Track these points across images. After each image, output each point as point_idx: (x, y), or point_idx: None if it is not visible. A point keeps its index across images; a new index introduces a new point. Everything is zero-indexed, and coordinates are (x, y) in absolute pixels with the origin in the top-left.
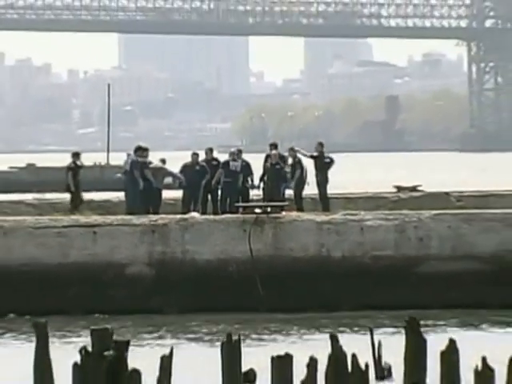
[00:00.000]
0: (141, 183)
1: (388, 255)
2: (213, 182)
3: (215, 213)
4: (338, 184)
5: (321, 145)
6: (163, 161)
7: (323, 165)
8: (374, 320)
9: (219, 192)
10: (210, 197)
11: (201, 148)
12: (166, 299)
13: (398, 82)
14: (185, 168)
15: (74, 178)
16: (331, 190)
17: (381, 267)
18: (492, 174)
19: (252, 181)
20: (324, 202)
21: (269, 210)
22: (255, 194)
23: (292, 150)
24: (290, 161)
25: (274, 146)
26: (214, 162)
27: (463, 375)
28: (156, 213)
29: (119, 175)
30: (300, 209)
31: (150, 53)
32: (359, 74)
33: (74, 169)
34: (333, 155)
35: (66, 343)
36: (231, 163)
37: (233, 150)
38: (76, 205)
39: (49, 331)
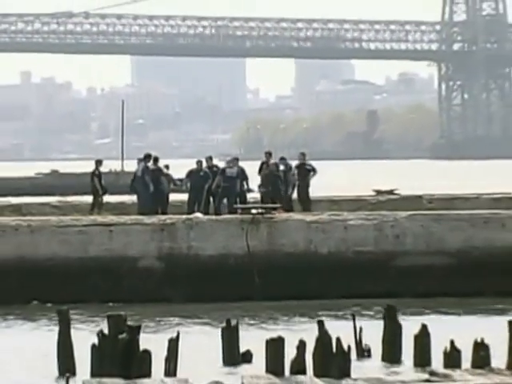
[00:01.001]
0: (151, 187)
1: (368, 250)
2: (213, 187)
3: (217, 213)
4: (324, 187)
5: (303, 154)
6: (167, 166)
7: (305, 172)
8: (356, 307)
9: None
10: (211, 199)
11: (204, 156)
12: (173, 289)
13: (377, 98)
14: (190, 173)
15: (100, 182)
16: (317, 193)
17: (362, 261)
18: (458, 179)
19: (247, 185)
20: (305, 203)
21: (262, 210)
22: (252, 196)
23: (282, 159)
24: (281, 167)
25: (269, 154)
26: (215, 169)
27: (434, 356)
28: (164, 213)
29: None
30: (290, 209)
31: (159, 72)
32: (343, 91)
33: (99, 175)
34: (320, 162)
35: (85, 327)
36: (227, 170)
37: (229, 158)
38: (99, 206)
39: (70, 317)
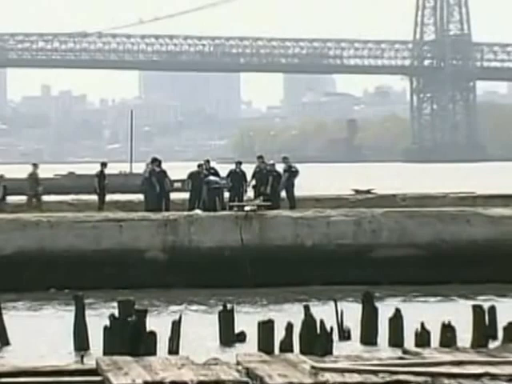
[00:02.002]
0: (157, 187)
1: (348, 243)
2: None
3: (223, 208)
4: (309, 187)
5: (286, 158)
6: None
7: (292, 174)
8: (338, 293)
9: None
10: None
11: (203, 159)
12: (175, 277)
13: (356, 109)
14: (191, 175)
15: (100, 182)
16: (303, 192)
17: (342, 252)
18: (428, 180)
19: (245, 186)
20: (291, 201)
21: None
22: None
23: (285, 158)
24: (282, 166)
25: (260, 157)
26: (212, 171)
27: (406, 336)
28: (167, 210)
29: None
30: (278, 207)
31: (164, 86)
32: (326, 102)
33: (99, 175)
34: (306, 165)
35: (98, 311)
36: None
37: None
38: (100, 205)
39: (84, 302)
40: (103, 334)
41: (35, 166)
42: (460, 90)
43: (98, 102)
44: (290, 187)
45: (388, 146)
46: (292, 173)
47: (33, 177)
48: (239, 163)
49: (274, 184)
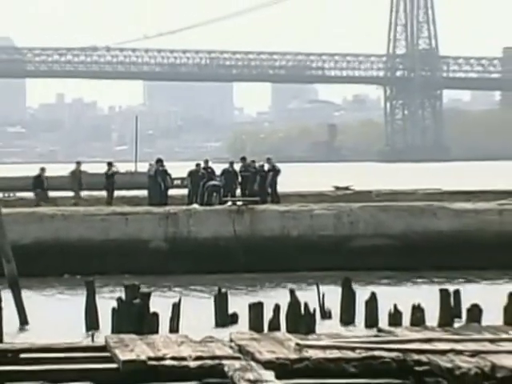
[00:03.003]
0: (162, 185)
1: (329, 234)
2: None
3: (220, 203)
4: (294, 185)
5: (269, 159)
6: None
7: (276, 173)
8: (320, 278)
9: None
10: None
11: (200, 159)
12: (176, 264)
13: (336, 114)
14: (190, 173)
15: (108, 180)
16: (289, 189)
17: (324, 242)
18: (400, 178)
19: (236, 183)
20: (276, 197)
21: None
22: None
23: (269, 159)
24: (266, 166)
25: (243, 158)
26: (209, 170)
27: (380, 316)
28: (166, 204)
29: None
30: (265, 201)
31: (165, 94)
32: (309, 108)
33: (106, 174)
34: (291, 165)
35: (107, 295)
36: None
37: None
38: (109, 200)
39: (95, 286)
40: (111, 314)
41: (78, 164)
42: (428, 97)
43: (107, 108)
44: (273, 184)
45: (364, 147)
46: (275, 172)
47: (76, 174)
48: (231, 163)
49: (261, 182)
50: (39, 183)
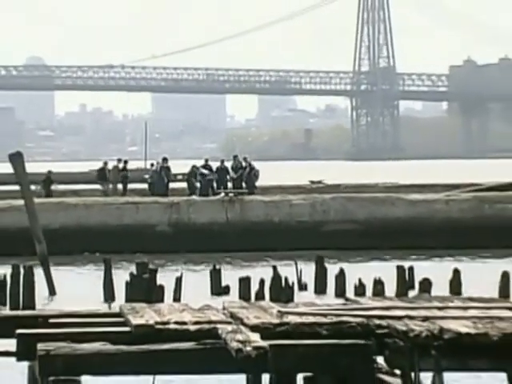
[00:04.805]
0: (165, 179)
1: (305, 220)
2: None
3: (214, 194)
4: (276, 179)
5: (245, 158)
6: (152, 164)
7: (254, 171)
8: (297, 257)
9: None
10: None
11: (199, 159)
12: (178, 245)
13: (311, 121)
14: (191, 170)
15: (120, 174)
16: (271, 182)
17: (301, 227)
18: (364, 173)
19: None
20: (251, 189)
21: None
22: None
23: (244, 158)
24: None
25: (235, 156)
26: (207, 167)
27: (348, 289)
28: (167, 195)
29: (146, 176)
30: (252, 193)
31: (169, 104)
32: (289, 116)
33: (119, 169)
34: (274, 163)
35: (121, 270)
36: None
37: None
38: (123, 192)
39: (111, 263)
40: (125, 287)
41: (119, 160)
42: (387, 107)
43: (121, 115)
44: (249, 178)
45: (335, 148)
46: (251, 168)
47: (117, 169)
48: (222, 161)
49: (248, 177)
50: (103, 176)
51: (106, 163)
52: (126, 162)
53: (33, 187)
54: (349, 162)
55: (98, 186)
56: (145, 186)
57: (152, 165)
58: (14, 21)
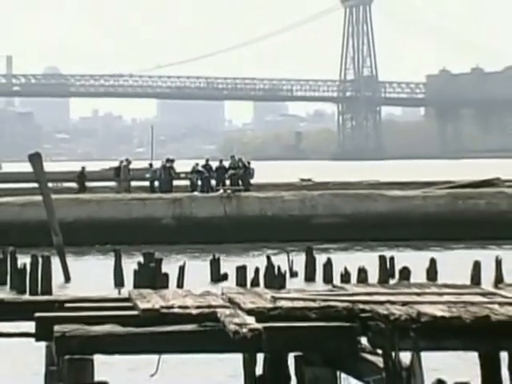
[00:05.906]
0: (169, 177)
1: (296, 214)
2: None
3: (213, 191)
4: (269, 177)
5: (240, 159)
6: (172, 160)
7: (249, 170)
8: (289, 247)
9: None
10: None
11: (200, 159)
12: (181, 236)
13: (301, 125)
14: (193, 169)
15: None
16: (266, 180)
17: (292, 220)
18: (349, 172)
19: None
20: (247, 186)
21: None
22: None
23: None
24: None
25: (232, 156)
26: (207, 166)
27: (335, 276)
28: (171, 191)
29: (147, 175)
30: (248, 190)
31: (173, 109)
32: (281, 120)
33: (121, 168)
34: (268, 162)
35: (130, 259)
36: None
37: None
38: (127, 189)
39: (121, 253)
40: (133, 274)
41: (126, 160)
42: (370, 112)
43: (130, 120)
44: (244, 176)
45: (323, 149)
46: (247, 168)
47: (127, 168)
48: (221, 161)
49: (244, 175)
50: (118, 174)
51: (121, 162)
52: (129, 161)
53: (57, 184)
54: (335, 161)
55: (110, 184)
56: (146, 183)
57: (151, 165)
58: (34, 34)
